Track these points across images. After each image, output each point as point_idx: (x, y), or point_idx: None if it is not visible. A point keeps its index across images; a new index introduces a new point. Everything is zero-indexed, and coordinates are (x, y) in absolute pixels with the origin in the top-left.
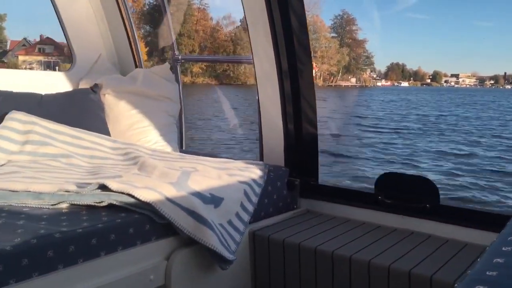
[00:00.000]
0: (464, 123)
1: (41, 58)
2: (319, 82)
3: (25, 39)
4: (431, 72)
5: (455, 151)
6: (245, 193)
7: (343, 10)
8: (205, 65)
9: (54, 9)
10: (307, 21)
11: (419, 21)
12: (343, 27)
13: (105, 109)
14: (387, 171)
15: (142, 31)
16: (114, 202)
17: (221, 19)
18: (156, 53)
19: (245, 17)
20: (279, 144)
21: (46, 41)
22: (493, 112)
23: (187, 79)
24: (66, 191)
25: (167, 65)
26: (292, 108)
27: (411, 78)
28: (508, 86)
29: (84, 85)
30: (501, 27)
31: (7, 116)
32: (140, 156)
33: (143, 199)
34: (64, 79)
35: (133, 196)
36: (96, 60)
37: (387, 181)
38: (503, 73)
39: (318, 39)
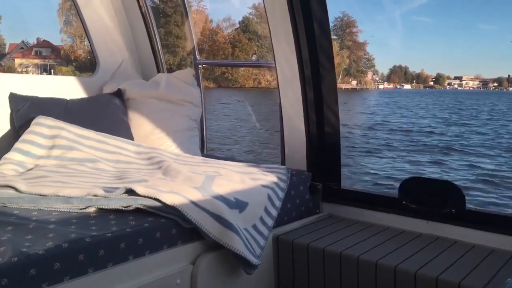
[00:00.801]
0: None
1: (37, 61)
2: None
3: (23, 41)
4: (434, 74)
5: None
6: (269, 198)
7: (343, 12)
8: (203, 68)
9: (79, 16)
10: None
11: (423, 24)
12: (343, 29)
13: (128, 114)
14: (412, 176)
15: None
16: (141, 207)
17: (221, 22)
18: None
19: (268, 24)
20: (301, 149)
21: (43, 44)
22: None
23: None
24: (94, 196)
25: (189, 69)
26: (314, 113)
27: (414, 81)
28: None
29: (107, 90)
30: (504, 30)
31: (34, 121)
32: (164, 161)
33: (169, 204)
34: (88, 84)
35: (159, 201)
36: (119, 65)
37: (411, 185)
38: (506, 76)
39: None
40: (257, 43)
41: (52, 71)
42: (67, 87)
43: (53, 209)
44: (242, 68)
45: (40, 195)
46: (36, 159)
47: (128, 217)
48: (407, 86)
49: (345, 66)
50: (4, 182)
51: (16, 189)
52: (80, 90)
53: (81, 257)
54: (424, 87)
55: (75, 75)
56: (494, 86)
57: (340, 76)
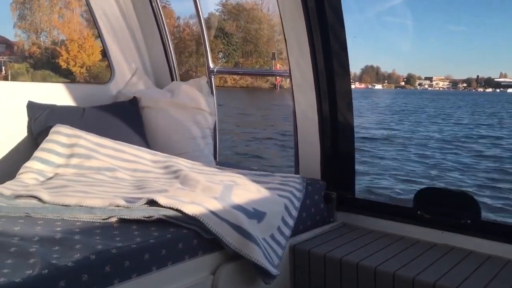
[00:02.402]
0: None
1: None
2: (284, 84)
3: None
4: (405, 75)
5: None
6: (286, 207)
7: None
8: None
9: (95, 24)
10: (273, 22)
11: (395, 25)
12: None
13: (143, 122)
14: (426, 186)
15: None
16: (163, 217)
17: (189, 18)
18: None
19: (284, 34)
20: (315, 157)
21: None
22: None
23: None
24: (116, 206)
25: (203, 78)
26: (329, 123)
27: (385, 81)
28: (481, 89)
29: (122, 97)
30: (473, 32)
31: (52, 130)
32: (181, 170)
33: (191, 214)
34: (103, 92)
35: (181, 211)
36: (133, 73)
37: (426, 195)
38: (475, 76)
39: (283, 40)
40: (224, 40)
41: (3, 68)
42: (83, 94)
43: (76, 219)
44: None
45: (64, 205)
46: (55, 167)
47: (150, 228)
48: (379, 86)
49: None
50: (27, 192)
51: (40, 199)
52: (96, 97)
53: (107, 268)
54: (395, 87)
55: (27, 72)
56: (463, 86)
57: None
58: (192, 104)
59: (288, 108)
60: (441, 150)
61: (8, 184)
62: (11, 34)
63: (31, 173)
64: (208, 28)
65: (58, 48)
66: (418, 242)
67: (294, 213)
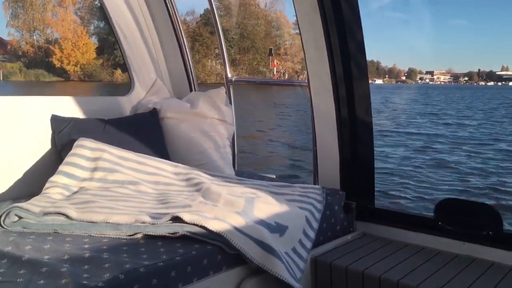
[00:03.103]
0: None
1: None
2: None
3: None
4: (406, 69)
5: None
6: (307, 220)
7: None
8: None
9: (115, 35)
10: (270, 17)
11: (395, 19)
12: None
13: (164, 133)
14: (447, 197)
15: (92, 27)
16: (188, 234)
17: (185, 15)
18: (107, 50)
19: (302, 43)
20: (335, 167)
21: None
22: None
23: None
24: (142, 223)
25: (222, 88)
26: (348, 131)
27: (386, 76)
28: (482, 83)
29: (142, 108)
30: (475, 25)
31: (76, 143)
32: (203, 182)
33: (215, 231)
34: (124, 103)
35: (205, 228)
36: (153, 83)
37: (447, 206)
38: (477, 70)
39: (281, 36)
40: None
41: None
42: (105, 106)
43: (103, 235)
44: (202, 63)
45: (90, 222)
46: (80, 181)
47: (175, 244)
48: (379, 81)
49: None
50: (55, 209)
51: (67, 216)
52: (117, 109)
53: (136, 287)
54: (396, 81)
55: (20, 71)
56: (465, 80)
57: (306, 71)
58: (211, 114)
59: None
60: None
61: (35, 200)
62: (4, 33)
63: (57, 188)
64: (205, 24)
65: (51, 47)
66: (439, 253)
67: (315, 225)
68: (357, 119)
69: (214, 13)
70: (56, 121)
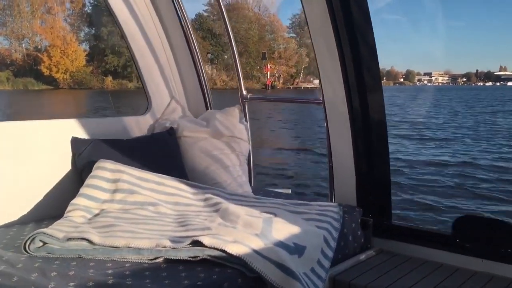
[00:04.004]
0: None
1: None
2: (278, 84)
3: None
4: (404, 71)
5: None
6: (325, 239)
7: (301, 9)
8: None
9: (132, 56)
10: (264, 21)
11: (392, 22)
12: (302, 27)
13: (181, 152)
14: (465, 214)
15: (83, 33)
16: (208, 258)
17: None
18: (97, 57)
19: (316, 58)
20: (351, 182)
21: None
22: None
23: (132, 84)
24: (163, 247)
25: (238, 106)
26: (363, 146)
27: (384, 78)
28: (480, 83)
29: (159, 127)
30: (472, 26)
31: (96, 165)
32: (221, 202)
33: (235, 254)
34: (141, 123)
35: (225, 251)
36: (169, 102)
37: (465, 223)
38: (475, 71)
39: (275, 40)
40: (212, 41)
41: None
42: (123, 126)
43: (125, 260)
44: None
45: (113, 246)
46: (101, 203)
47: (196, 268)
48: None
49: (305, 65)
50: (78, 234)
51: (90, 241)
52: (135, 128)
53: None
54: (394, 83)
55: (7, 80)
56: (463, 81)
57: (302, 75)
58: (228, 133)
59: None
60: None
61: (59, 224)
62: None
63: (79, 211)
64: (197, 29)
65: (40, 55)
66: (457, 270)
67: (333, 244)
68: (372, 132)
69: (229, 33)
70: (76, 143)
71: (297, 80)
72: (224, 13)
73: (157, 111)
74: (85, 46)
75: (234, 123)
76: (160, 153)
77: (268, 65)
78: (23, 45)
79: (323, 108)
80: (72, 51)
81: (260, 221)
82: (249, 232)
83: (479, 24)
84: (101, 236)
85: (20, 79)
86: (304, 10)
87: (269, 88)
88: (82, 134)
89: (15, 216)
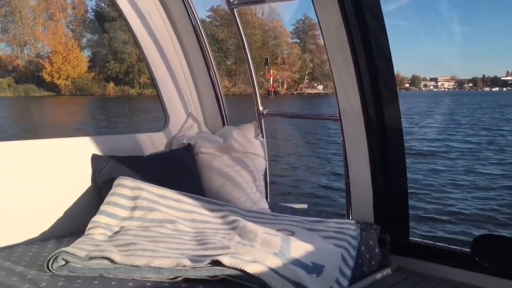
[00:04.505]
0: None
1: None
2: (281, 90)
3: None
4: (409, 76)
5: None
6: (343, 258)
7: (304, 14)
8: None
9: (150, 75)
10: (267, 26)
11: (398, 27)
12: (306, 32)
13: (198, 168)
14: (484, 233)
15: (85, 39)
16: (227, 277)
17: None
18: (99, 63)
19: (332, 73)
20: (368, 199)
21: None
22: None
23: (134, 90)
24: (183, 266)
25: (254, 123)
26: (380, 161)
27: None
28: (487, 88)
29: (177, 144)
30: (478, 31)
31: (115, 182)
32: (238, 220)
33: (254, 274)
34: (159, 139)
35: (244, 271)
36: (186, 118)
37: (484, 242)
38: (481, 76)
39: (279, 45)
40: (214, 47)
41: None
42: (141, 142)
43: (146, 279)
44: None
45: (134, 266)
46: (121, 220)
47: (216, 287)
48: None
49: (309, 71)
50: (100, 253)
51: (111, 260)
52: (153, 144)
53: None
54: (400, 89)
55: (8, 86)
56: (469, 86)
57: (305, 80)
58: (244, 149)
59: None
60: None
61: (80, 243)
62: None
63: (100, 228)
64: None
65: (41, 61)
66: None
67: (351, 262)
68: (389, 146)
69: (246, 50)
70: (96, 160)
71: (301, 86)
72: (241, 29)
73: (175, 127)
74: (87, 53)
75: (251, 139)
76: (178, 169)
77: (271, 70)
78: (25, 51)
79: (339, 124)
80: (74, 57)
81: (278, 239)
82: (268, 251)
83: (485, 29)
84: (122, 255)
85: (21, 85)
86: (319, 22)
87: (272, 94)
88: (102, 151)
89: (35, 233)
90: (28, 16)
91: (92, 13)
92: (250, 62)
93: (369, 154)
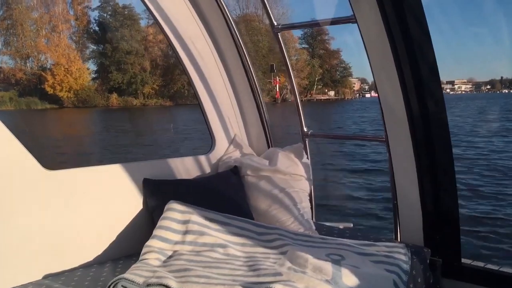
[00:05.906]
0: None
1: None
2: (289, 97)
3: None
4: None
5: None
6: (394, 283)
7: (313, 19)
8: (157, 85)
9: (198, 99)
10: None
11: None
12: (314, 37)
13: (245, 191)
14: None
15: (88, 51)
16: None
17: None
18: (102, 74)
19: (374, 80)
20: (417, 221)
21: None
22: None
23: (138, 101)
24: None
25: (299, 144)
26: (429, 182)
27: None
28: (505, 90)
29: (223, 166)
30: (495, 32)
31: (166, 206)
32: (287, 244)
33: None
34: (206, 162)
35: None
36: (232, 140)
37: None
38: (499, 78)
39: (286, 51)
40: None
41: None
42: (189, 165)
43: None
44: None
45: None
46: (173, 244)
47: None
48: None
49: (319, 77)
50: (157, 280)
51: (168, 287)
52: (200, 167)
53: None
54: None
55: (11, 100)
56: (487, 88)
57: (315, 86)
58: (290, 171)
59: None
60: None
61: (137, 268)
62: None
63: (154, 253)
64: None
65: (43, 73)
66: None
67: (403, 287)
68: (439, 166)
69: (290, 73)
70: (147, 184)
71: (312, 92)
72: (285, 52)
73: (220, 149)
74: (91, 64)
75: (296, 161)
76: (225, 192)
77: (277, 77)
78: (28, 64)
79: (386, 145)
80: (76, 69)
81: (329, 265)
82: (320, 278)
83: (502, 30)
84: (178, 281)
85: (23, 98)
86: (360, 32)
87: (278, 102)
88: (153, 175)
89: (91, 257)
90: (30, 28)
91: (95, 24)
92: (294, 83)
93: (418, 175)
